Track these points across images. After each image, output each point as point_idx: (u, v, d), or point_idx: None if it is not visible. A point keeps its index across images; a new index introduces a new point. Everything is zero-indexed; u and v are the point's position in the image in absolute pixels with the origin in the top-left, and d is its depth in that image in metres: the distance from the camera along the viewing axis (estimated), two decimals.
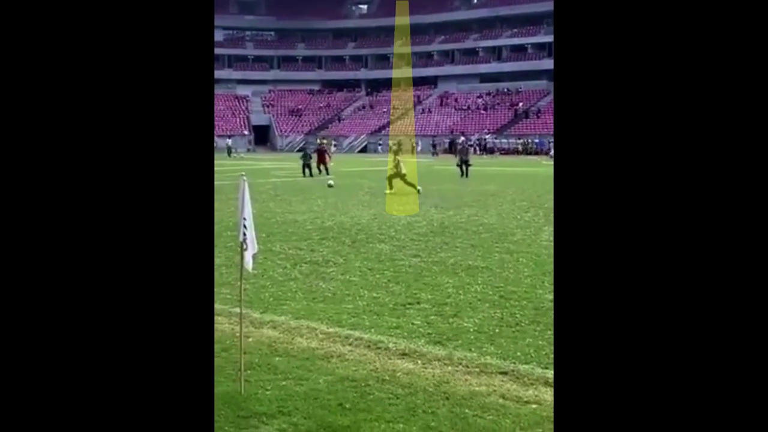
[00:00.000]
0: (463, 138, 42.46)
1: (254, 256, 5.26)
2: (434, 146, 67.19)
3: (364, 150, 75.18)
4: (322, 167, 31.09)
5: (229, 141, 63.64)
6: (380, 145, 72.69)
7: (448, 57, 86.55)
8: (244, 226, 5.07)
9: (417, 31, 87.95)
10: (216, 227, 13.62)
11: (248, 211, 5.03)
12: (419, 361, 5.66)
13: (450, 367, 5.49)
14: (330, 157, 33.45)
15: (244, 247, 5.12)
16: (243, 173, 5.23)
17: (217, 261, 10.07)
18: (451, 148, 60.56)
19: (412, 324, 6.74)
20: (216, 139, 37.88)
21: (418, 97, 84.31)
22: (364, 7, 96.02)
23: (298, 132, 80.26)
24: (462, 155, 30.95)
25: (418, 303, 7.55)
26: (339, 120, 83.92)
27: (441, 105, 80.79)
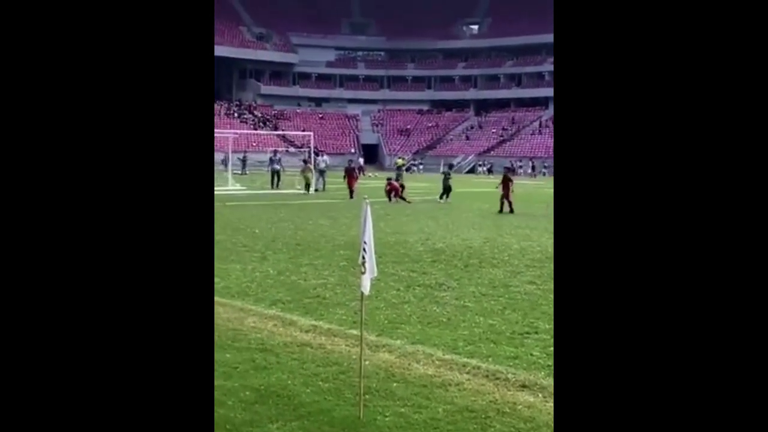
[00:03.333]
0: None
1: (371, 280, 5.22)
2: (533, 168, 66.57)
3: (471, 171, 74.85)
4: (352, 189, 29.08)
5: (361, 160, 64.08)
6: (480, 165, 72.39)
7: None
8: (364, 250, 5.04)
9: (528, 52, 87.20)
10: (328, 245, 13.80)
11: (369, 235, 5.00)
12: (540, 394, 5.48)
13: None
14: (357, 177, 31.30)
15: (363, 270, 5.10)
16: (366, 195, 5.22)
17: (331, 280, 10.16)
18: None
19: (531, 355, 6.55)
20: (327, 157, 38.44)
21: (528, 118, 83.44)
22: (475, 27, 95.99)
23: (406, 151, 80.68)
24: None
25: (536, 332, 7.36)
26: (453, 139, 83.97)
27: (551, 126, 79.55)
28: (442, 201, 27.07)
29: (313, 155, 36.40)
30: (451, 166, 31.69)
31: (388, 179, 28.41)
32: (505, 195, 23.22)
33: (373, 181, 30.80)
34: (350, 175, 30.26)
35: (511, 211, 22.68)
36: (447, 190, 27.70)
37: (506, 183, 23.53)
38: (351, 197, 27.94)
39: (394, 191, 26.65)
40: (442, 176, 28.57)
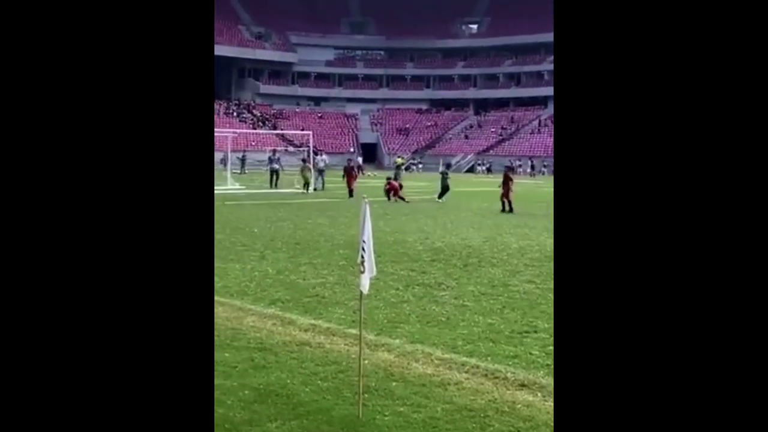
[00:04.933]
0: None
1: (371, 279, 5.22)
2: (532, 167, 66.55)
3: (471, 170, 74.84)
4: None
5: (359, 159, 64.41)
6: (479, 164, 72.42)
7: None
8: (363, 249, 5.04)
9: (527, 51, 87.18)
10: (327, 244, 13.79)
11: (368, 234, 5.00)
12: (539, 393, 5.48)
13: None
14: (356, 176, 30.94)
15: (362, 269, 5.10)
16: (365, 195, 5.22)
17: (330, 279, 10.16)
18: None
19: (530, 354, 6.55)
20: (326, 156, 38.41)
21: (527, 117, 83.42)
22: (474, 26, 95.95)
23: (405, 150, 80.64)
24: None
25: (535, 332, 7.35)
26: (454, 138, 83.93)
27: (550, 125, 79.55)
28: (440, 201, 27.06)
29: (312, 155, 36.36)
30: (449, 166, 31.50)
31: (388, 178, 28.47)
32: (505, 194, 23.18)
33: (372, 180, 30.75)
34: (349, 174, 30.13)
35: (510, 210, 22.66)
36: (445, 189, 27.75)
37: (506, 182, 23.46)
38: (350, 196, 27.73)
39: (393, 191, 26.67)
40: (441, 176, 28.56)
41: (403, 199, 26.25)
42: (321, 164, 34.66)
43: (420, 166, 72.52)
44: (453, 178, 29.98)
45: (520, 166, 66.98)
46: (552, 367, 6.14)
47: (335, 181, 33.26)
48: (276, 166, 34.80)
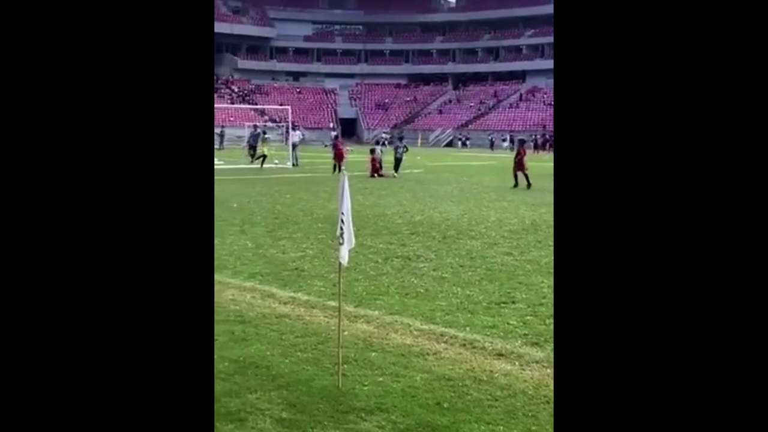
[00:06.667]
0: None
1: (350, 251, 5.25)
2: (511, 141, 66.68)
3: (450, 144, 74.89)
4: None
5: (333, 134, 64.33)
6: (460, 139, 72.54)
7: (538, 51, 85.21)
8: (342, 221, 5.06)
9: (506, 25, 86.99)
10: (307, 219, 13.79)
11: (347, 206, 5.02)
12: (517, 363, 5.55)
13: (549, 370, 5.36)
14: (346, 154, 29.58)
15: (341, 241, 5.12)
16: (344, 168, 5.22)
17: (309, 252, 10.18)
18: (541, 145, 59.65)
19: (508, 324, 6.62)
20: (306, 131, 38.15)
21: (506, 91, 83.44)
22: (453, 0, 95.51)
23: (384, 125, 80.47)
24: None
25: (513, 302, 7.43)
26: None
27: (529, 100, 79.65)
28: (397, 174, 26.61)
29: (290, 130, 36.08)
30: (401, 139, 31.10)
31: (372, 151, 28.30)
32: (519, 168, 22.26)
33: (350, 156, 30.65)
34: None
35: (528, 184, 21.72)
36: (397, 162, 27.34)
37: (519, 156, 22.69)
38: (337, 171, 26.54)
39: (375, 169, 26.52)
40: (393, 150, 28.18)
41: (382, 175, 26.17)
42: (296, 139, 34.09)
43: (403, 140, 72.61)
44: (433, 153, 29.90)
45: (504, 140, 67.14)
46: (529, 336, 6.22)
47: (313, 156, 33.10)
48: (260, 142, 34.18)
